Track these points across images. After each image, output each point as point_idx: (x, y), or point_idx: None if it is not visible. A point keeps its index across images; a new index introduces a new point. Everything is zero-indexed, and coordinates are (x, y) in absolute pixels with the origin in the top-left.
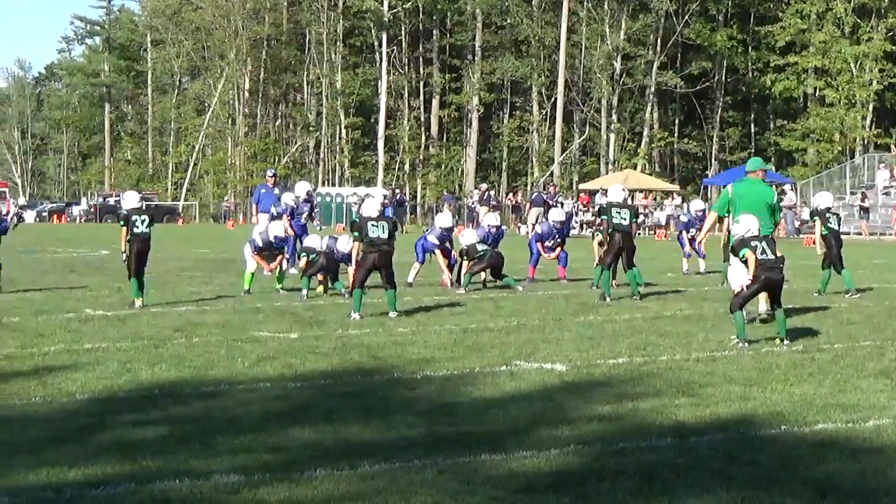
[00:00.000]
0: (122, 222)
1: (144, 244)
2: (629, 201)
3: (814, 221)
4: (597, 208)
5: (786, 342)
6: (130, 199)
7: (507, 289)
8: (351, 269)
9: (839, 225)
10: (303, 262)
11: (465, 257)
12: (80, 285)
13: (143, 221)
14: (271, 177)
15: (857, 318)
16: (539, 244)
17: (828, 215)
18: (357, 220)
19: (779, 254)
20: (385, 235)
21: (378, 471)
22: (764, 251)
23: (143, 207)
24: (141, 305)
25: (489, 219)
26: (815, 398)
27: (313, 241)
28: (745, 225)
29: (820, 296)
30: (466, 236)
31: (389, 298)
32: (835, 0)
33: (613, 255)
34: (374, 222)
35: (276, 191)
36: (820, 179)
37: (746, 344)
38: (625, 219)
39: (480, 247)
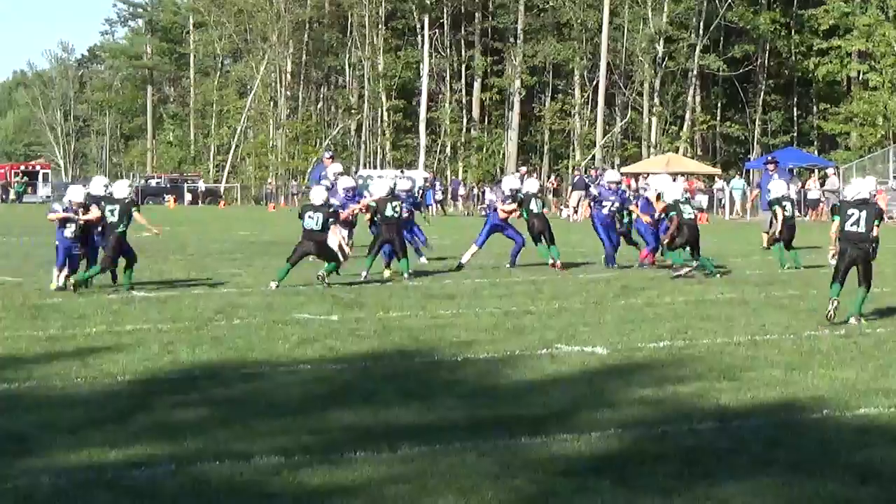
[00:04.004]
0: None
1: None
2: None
3: (773, 210)
4: (663, 206)
5: (860, 320)
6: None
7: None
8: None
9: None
10: (367, 216)
11: (519, 206)
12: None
13: (112, 212)
14: (329, 158)
15: None
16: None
17: (784, 202)
18: (376, 203)
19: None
20: (397, 214)
21: (418, 453)
22: (857, 222)
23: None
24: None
25: (610, 175)
26: (857, 383)
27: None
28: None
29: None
30: (528, 185)
31: (402, 265)
32: None
33: (680, 245)
34: (392, 202)
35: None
36: (863, 163)
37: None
38: (691, 214)
39: (533, 205)
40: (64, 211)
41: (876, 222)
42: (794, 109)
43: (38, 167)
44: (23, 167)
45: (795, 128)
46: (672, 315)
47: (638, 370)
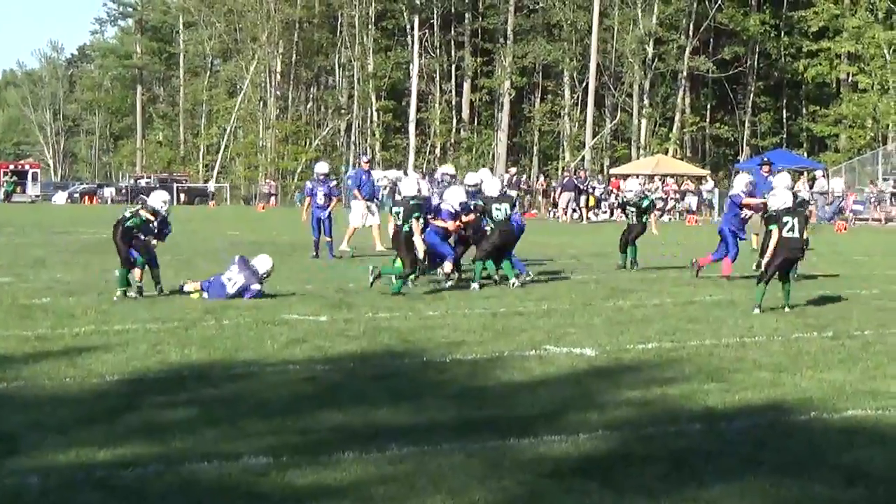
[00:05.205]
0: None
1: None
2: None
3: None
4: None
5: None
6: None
7: (504, 280)
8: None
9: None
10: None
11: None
12: (111, 267)
13: (397, 214)
14: (367, 161)
15: (888, 304)
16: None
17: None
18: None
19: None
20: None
21: (407, 454)
22: (792, 229)
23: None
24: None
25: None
26: (845, 385)
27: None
28: (781, 198)
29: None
30: (488, 185)
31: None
32: None
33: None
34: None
35: (373, 175)
36: (852, 165)
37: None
38: (500, 215)
39: (496, 211)
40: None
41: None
42: (784, 111)
43: (27, 166)
44: (12, 166)
45: (785, 130)
46: (660, 317)
47: (626, 372)
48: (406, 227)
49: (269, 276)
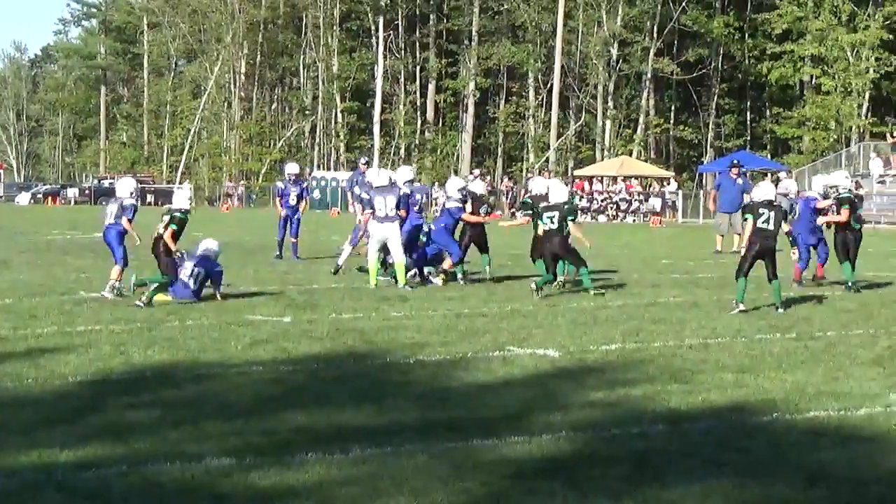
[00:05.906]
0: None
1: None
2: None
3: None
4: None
5: (780, 310)
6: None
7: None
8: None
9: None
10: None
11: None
12: (74, 268)
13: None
14: (364, 164)
15: (850, 306)
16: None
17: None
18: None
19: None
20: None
21: (369, 455)
22: (767, 220)
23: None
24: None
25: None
26: (808, 386)
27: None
28: (764, 190)
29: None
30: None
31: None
32: None
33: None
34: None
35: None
36: (815, 167)
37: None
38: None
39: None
40: None
41: (783, 220)
42: (748, 113)
43: None
44: None
45: (748, 131)
46: (624, 318)
47: (589, 373)
48: (564, 231)
49: (218, 256)
